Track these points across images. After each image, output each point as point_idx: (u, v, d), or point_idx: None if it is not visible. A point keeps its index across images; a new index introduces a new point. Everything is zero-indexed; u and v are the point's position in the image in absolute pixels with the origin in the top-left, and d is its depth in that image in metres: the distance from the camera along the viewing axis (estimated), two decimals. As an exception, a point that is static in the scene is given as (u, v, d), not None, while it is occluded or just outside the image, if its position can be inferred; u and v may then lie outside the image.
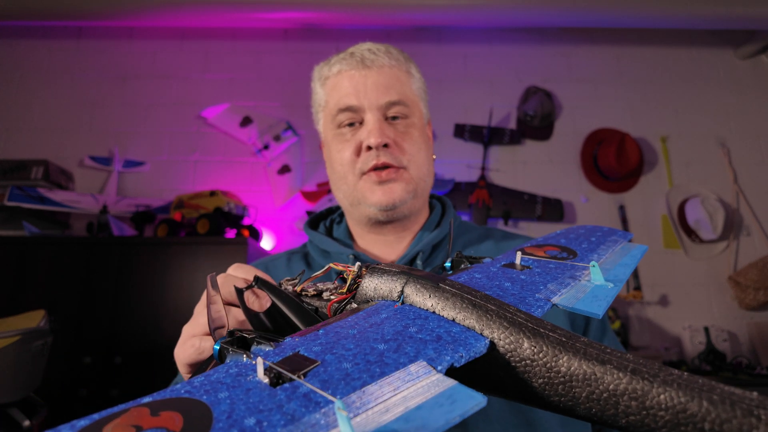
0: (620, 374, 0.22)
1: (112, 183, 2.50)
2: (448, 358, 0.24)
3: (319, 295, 0.38)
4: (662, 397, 0.21)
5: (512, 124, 2.75)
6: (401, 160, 0.72)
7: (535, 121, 2.68)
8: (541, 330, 0.25)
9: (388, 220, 0.75)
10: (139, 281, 1.97)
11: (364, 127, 0.72)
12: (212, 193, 2.28)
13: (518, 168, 2.69)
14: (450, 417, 0.18)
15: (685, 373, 0.21)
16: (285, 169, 2.60)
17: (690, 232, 2.55)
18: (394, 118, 0.74)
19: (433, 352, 0.24)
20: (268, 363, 0.23)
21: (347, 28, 2.74)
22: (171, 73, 2.76)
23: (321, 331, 0.28)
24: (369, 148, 0.71)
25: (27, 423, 1.31)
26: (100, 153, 2.60)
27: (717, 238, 2.51)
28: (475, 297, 0.29)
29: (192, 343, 0.41)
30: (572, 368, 0.23)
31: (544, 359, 0.24)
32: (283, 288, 0.40)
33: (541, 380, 0.24)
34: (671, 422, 0.20)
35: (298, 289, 0.40)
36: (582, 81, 2.82)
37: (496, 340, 0.26)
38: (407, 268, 0.34)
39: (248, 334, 0.28)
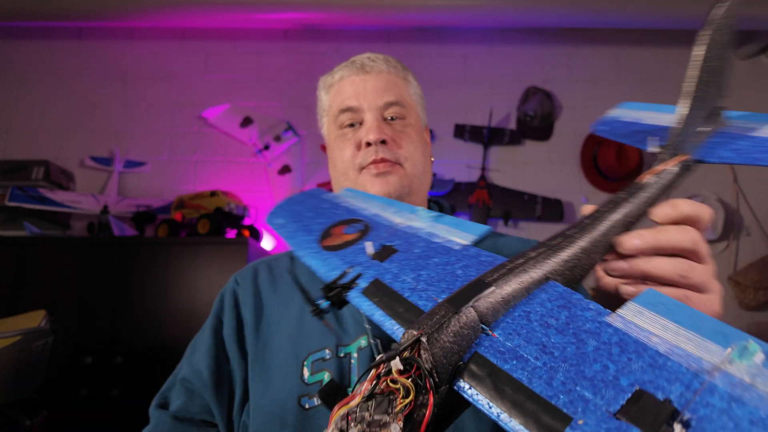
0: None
1: (113, 183, 2.50)
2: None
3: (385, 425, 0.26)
4: None
5: (512, 125, 2.75)
6: (398, 157, 0.76)
7: (535, 122, 2.68)
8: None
9: None
10: (140, 281, 1.98)
11: (363, 126, 0.77)
12: (213, 194, 2.28)
13: (518, 168, 2.69)
14: None
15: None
16: (285, 170, 2.60)
17: (690, 232, 2.55)
18: (393, 119, 0.79)
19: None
20: None
21: (347, 29, 2.73)
22: (171, 73, 2.76)
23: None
24: (368, 144, 0.75)
25: (27, 423, 1.32)
26: (100, 153, 2.60)
27: (717, 238, 2.51)
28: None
29: None
30: None
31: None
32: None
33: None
34: None
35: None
36: (582, 81, 2.82)
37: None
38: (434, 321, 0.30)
39: None
